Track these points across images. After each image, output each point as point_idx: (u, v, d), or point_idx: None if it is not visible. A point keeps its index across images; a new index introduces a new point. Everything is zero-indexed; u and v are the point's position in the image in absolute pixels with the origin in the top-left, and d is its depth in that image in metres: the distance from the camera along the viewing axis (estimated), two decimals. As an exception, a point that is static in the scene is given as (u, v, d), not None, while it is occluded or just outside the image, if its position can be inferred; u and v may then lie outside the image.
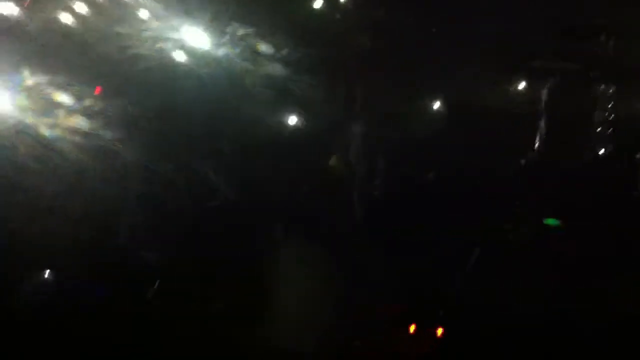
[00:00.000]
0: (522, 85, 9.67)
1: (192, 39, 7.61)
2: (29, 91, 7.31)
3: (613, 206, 8.89)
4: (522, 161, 9.45)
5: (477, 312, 8.46)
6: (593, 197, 8.97)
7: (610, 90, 9.38)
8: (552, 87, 9.53)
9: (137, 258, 8.39)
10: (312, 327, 8.16)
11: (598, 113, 9.43)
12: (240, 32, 7.84)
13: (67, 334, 7.32)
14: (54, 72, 7.35)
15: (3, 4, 7.25)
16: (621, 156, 9.28)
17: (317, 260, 8.61)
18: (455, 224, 9.05)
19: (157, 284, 8.38)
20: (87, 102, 7.68)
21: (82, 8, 7.41)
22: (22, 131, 7.35)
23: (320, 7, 8.94)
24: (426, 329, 8.60)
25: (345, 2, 9.18)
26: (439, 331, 8.58)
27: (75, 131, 7.61)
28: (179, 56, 7.77)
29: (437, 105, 9.75)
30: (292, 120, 9.18)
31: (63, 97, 7.48)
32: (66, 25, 7.29)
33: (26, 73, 7.28)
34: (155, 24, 7.33)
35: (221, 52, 7.84)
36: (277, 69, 8.46)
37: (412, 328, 8.62)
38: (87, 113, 7.69)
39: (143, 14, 7.52)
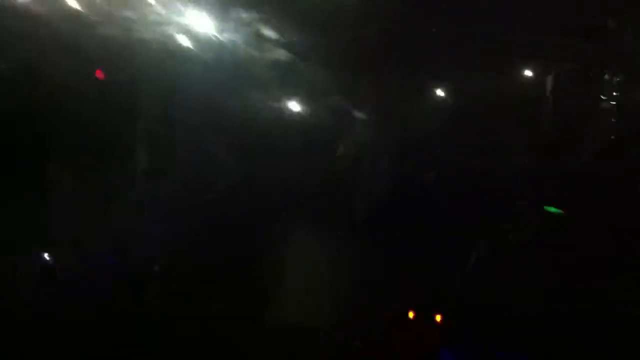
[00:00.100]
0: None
1: (198, 24, 7.61)
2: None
3: (613, 206, 8.89)
4: (523, 161, 9.45)
5: (477, 312, 8.46)
6: (593, 197, 8.97)
7: (610, 90, 9.38)
8: (552, 87, 9.53)
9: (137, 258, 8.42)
10: (312, 326, 8.16)
11: (598, 113, 9.43)
12: (245, 17, 7.85)
13: (67, 334, 7.32)
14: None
15: None
16: (621, 157, 9.28)
17: (317, 260, 8.62)
18: (455, 224, 9.05)
19: (157, 284, 8.39)
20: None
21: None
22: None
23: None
24: (426, 329, 8.61)
25: None
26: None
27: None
28: (184, 41, 7.80)
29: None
30: (295, 108, 9.19)
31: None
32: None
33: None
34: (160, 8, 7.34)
35: (226, 37, 7.84)
36: (281, 55, 8.46)
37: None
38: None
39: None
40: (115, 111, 8.43)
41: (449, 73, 9.58)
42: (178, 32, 7.66)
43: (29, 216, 8.02)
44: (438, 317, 8.65)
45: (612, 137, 9.39)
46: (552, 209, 9.11)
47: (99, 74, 8.27)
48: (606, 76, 9.42)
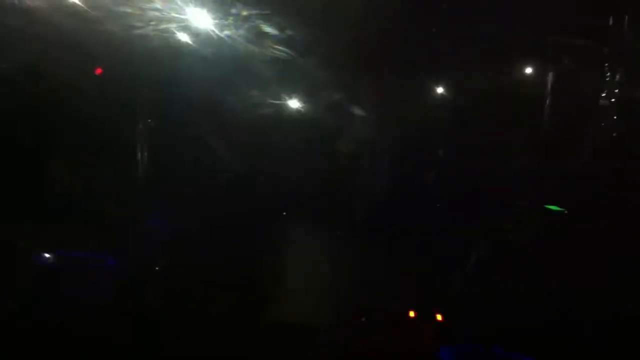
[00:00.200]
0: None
1: (198, 20, 7.62)
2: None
3: (613, 206, 8.88)
4: (523, 161, 9.45)
5: (477, 312, 8.46)
6: (593, 197, 8.97)
7: (611, 89, 9.38)
8: (552, 87, 9.53)
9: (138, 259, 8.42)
10: (312, 326, 8.16)
11: (598, 113, 9.43)
12: (245, 13, 7.85)
13: (68, 334, 7.31)
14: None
15: None
16: (621, 157, 9.27)
17: (317, 261, 8.61)
18: (455, 224, 9.06)
19: (157, 284, 8.39)
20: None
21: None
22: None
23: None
24: (426, 329, 8.61)
25: None
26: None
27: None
28: (185, 37, 7.81)
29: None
30: (295, 105, 9.19)
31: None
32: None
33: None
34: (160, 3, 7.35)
35: (226, 33, 7.85)
36: (281, 52, 8.46)
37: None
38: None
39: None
40: (116, 107, 8.42)
41: (449, 73, 9.58)
42: (178, 29, 7.66)
43: (29, 216, 8.02)
44: (438, 317, 8.65)
45: (612, 137, 9.38)
46: (554, 207, 9.11)
47: (99, 71, 8.27)
48: (606, 76, 9.42)
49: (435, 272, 8.78)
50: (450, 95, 9.75)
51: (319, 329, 8.21)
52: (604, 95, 9.41)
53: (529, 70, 9.73)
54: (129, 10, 7.37)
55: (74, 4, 7.17)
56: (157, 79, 8.48)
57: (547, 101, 9.58)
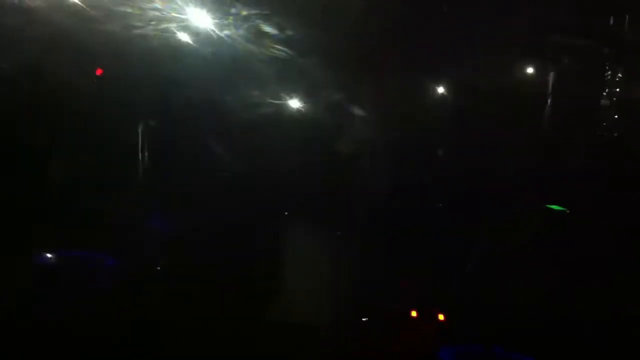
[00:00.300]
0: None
1: (198, 20, 7.63)
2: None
3: (613, 206, 8.89)
4: (523, 161, 9.45)
5: (477, 312, 8.46)
6: (593, 197, 8.97)
7: (611, 89, 9.38)
8: (552, 87, 9.53)
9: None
10: (312, 326, 8.16)
11: (598, 113, 9.43)
12: (245, 13, 7.86)
13: (68, 334, 7.31)
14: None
15: None
16: (621, 157, 9.28)
17: (317, 260, 8.61)
18: (455, 224, 9.06)
19: (157, 284, 8.39)
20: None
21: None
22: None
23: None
24: (426, 329, 8.61)
25: None
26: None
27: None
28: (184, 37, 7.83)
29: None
30: (295, 105, 9.19)
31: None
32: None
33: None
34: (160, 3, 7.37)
35: (226, 33, 7.86)
36: (281, 52, 8.46)
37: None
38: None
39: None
40: (116, 107, 8.43)
41: (449, 73, 9.58)
42: (178, 28, 7.68)
43: (29, 216, 8.02)
44: (440, 317, 8.65)
45: (612, 137, 9.39)
46: (556, 207, 9.12)
47: (99, 72, 8.28)
48: (606, 76, 9.42)
49: (435, 272, 8.78)
50: (450, 95, 9.75)
51: (319, 329, 8.20)
52: (604, 95, 9.41)
53: (529, 70, 9.74)
54: (129, 10, 7.38)
55: (74, 4, 7.17)
56: (157, 79, 8.49)
57: (547, 101, 9.58)
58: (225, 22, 7.82)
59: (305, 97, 9.23)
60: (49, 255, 8.35)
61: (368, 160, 9.69)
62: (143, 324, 7.75)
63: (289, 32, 8.29)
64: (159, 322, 7.88)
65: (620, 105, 9.40)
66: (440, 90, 9.79)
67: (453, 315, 8.65)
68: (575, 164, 9.42)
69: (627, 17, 9.28)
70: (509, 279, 8.49)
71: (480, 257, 8.92)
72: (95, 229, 8.44)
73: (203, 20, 7.60)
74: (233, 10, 7.82)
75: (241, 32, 7.98)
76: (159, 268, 8.61)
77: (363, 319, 8.49)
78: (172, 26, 7.63)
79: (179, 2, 7.35)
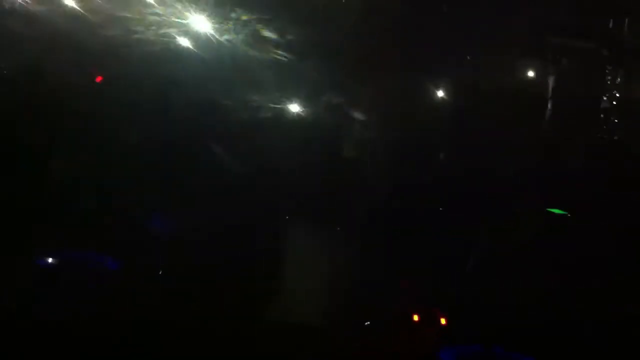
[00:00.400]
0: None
1: (198, 24, 7.65)
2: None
3: (613, 206, 8.89)
4: (523, 161, 9.45)
5: (477, 312, 8.46)
6: (593, 197, 8.98)
7: (611, 89, 9.39)
8: (552, 87, 9.54)
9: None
10: (312, 326, 8.16)
11: (598, 113, 9.44)
12: (245, 17, 7.89)
13: (68, 334, 7.31)
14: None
15: None
16: (621, 157, 9.28)
17: (317, 260, 8.61)
18: (455, 224, 9.05)
19: (157, 284, 8.39)
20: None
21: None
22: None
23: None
24: (427, 329, 8.60)
25: None
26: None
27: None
28: (185, 41, 7.86)
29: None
30: (295, 108, 9.20)
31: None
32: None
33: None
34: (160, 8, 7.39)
35: (226, 37, 7.89)
36: (281, 55, 8.48)
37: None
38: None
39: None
40: (116, 109, 8.45)
41: (449, 73, 9.59)
42: (178, 33, 7.70)
43: (30, 216, 8.02)
44: (439, 317, 8.65)
45: (612, 137, 9.39)
46: (556, 210, 9.12)
47: (100, 79, 8.32)
48: (606, 76, 9.43)
49: (435, 272, 8.78)
50: (450, 95, 9.76)
51: (319, 329, 8.20)
52: (604, 95, 9.42)
53: (528, 70, 9.75)
54: (129, 15, 7.41)
55: (75, 9, 7.20)
56: (157, 80, 8.51)
57: (547, 101, 9.59)
58: (225, 26, 7.85)
59: (304, 98, 9.24)
60: (49, 255, 8.35)
61: (368, 160, 9.70)
62: (143, 324, 7.75)
63: (289, 36, 8.32)
64: (159, 322, 7.88)
65: (620, 105, 9.40)
66: (440, 90, 9.80)
67: (453, 316, 8.65)
68: (575, 164, 9.42)
69: (627, 17, 9.28)
70: (508, 279, 8.49)
71: (480, 257, 8.92)
72: (95, 229, 8.44)
73: (203, 25, 7.63)
74: (233, 15, 7.86)
75: (241, 36, 8.01)
76: (158, 268, 8.62)
77: (364, 320, 8.48)
78: (173, 31, 7.66)
79: (179, 7, 7.38)
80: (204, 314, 8.13)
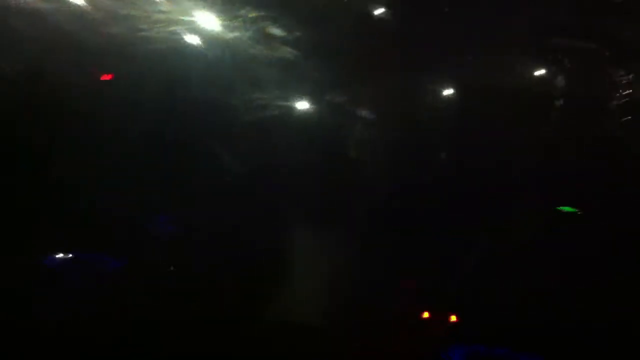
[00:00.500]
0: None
1: (204, 22, 7.65)
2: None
3: (613, 206, 8.89)
4: (523, 161, 9.45)
5: (477, 312, 8.46)
6: (594, 197, 8.98)
7: (612, 89, 9.39)
8: (553, 87, 9.54)
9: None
10: (312, 326, 8.16)
11: (599, 113, 9.44)
12: (251, 15, 7.89)
13: (68, 334, 7.32)
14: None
15: None
16: (621, 157, 9.28)
17: (318, 261, 8.61)
18: (456, 224, 9.06)
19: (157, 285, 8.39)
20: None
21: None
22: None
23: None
24: (428, 329, 8.60)
25: None
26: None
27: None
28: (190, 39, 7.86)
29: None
30: (300, 106, 9.21)
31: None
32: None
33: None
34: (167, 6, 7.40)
35: (231, 35, 7.89)
36: (286, 53, 8.48)
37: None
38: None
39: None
40: (121, 108, 8.45)
41: (449, 72, 9.59)
42: (184, 31, 7.70)
43: (31, 216, 8.02)
44: (453, 319, 8.65)
45: (613, 137, 9.39)
46: (566, 208, 9.13)
47: (104, 77, 8.33)
48: (607, 76, 9.43)
49: (436, 272, 8.78)
50: (450, 95, 9.76)
51: (320, 329, 8.20)
52: (605, 95, 9.42)
53: (529, 70, 9.74)
54: (134, 13, 7.41)
55: (80, 7, 7.21)
56: (162, 78, 8.51)
57: (547, 101, 9.59)
58: (229, 25, 7.85)
59: (306, 98, 9.24)
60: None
61: (368, 160, 9.69)
62: (143, 324, 7.75)
63: (295, 34, 8.32)
64: (159, 322, 7.88)
65: (621, 105, 9.40)
66: (441, 90, 9.79)
67: (460, 316, 8.65)
68: (576, 164, 9.42)
69: (627, 17, 9.28)
70: (511, 279, 8.49)
71: (481, 257, 8.92)
72: (96, 229, 8.44)
73: (210, 22, 7.63)
74: (237, 14, 7.86)
75: (246, 35, 8.01)
76: (159, 268, 8.61)
77: (364, 320, 8.47)
78: (179, 28, 7.66)
79: (186, 5, 7.38)
80: (204, 314, 8.13)
